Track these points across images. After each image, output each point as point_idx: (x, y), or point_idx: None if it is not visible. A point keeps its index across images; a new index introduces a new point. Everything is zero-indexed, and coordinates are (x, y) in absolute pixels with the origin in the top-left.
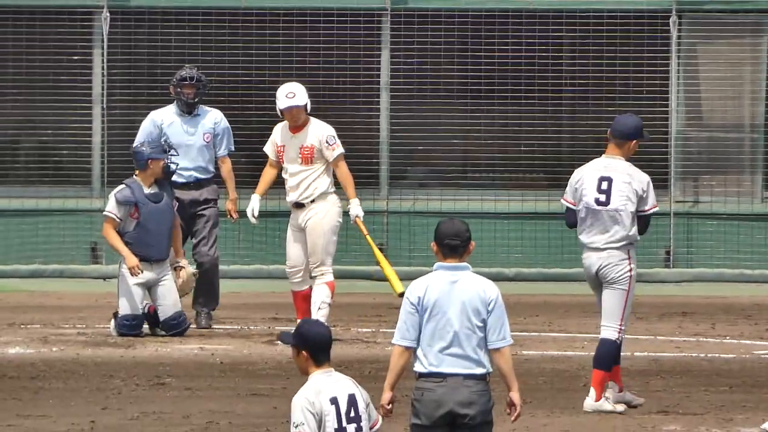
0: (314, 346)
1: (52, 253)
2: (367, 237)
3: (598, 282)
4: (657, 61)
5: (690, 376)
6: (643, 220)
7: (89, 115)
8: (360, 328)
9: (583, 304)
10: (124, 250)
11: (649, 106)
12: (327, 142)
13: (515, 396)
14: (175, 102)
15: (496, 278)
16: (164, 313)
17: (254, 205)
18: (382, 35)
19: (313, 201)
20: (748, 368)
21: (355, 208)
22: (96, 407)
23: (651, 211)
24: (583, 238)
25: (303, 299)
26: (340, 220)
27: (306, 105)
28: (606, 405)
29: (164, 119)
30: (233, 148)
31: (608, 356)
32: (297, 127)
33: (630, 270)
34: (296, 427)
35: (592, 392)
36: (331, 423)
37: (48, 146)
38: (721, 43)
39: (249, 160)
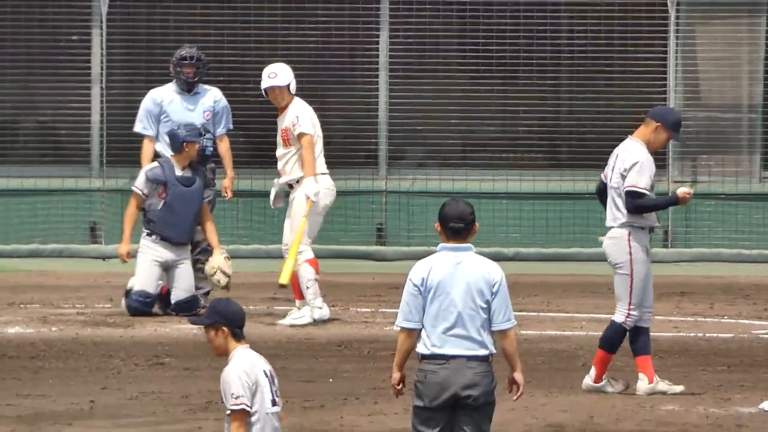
0: (234, 321)
1: (51, 233)
2: (304, 219)
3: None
4: (655, 42)
5: (688, 356)
6: (624, 201)
7: (88, 95)
8: (359, 308)
9: (582, 283)
10: (125, 235)
11: (648, 87)
12: (292, 123)
13: (519, 376)
14: (174, 80)
15: (494, 258)
16: (176, 296)
17: (272, 191)
18: (381, 14)
19: (298, 182)
20: (746, 348)
21: (305, 188)
22: (95, 387)
23: (626, 189)
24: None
25: (298, 280)
26: (327, 202)
27: (288, 86)
28: (607, 387)
29: (164, 97)
30: (231, 127)
31: (612, 338)
32: (282, 109)
33: (629, 253)
34: (237, 398)
35: (592, 371)
36: (267, 395)
37: (47, 126)
38: (719, 23)
39: (247, 140)
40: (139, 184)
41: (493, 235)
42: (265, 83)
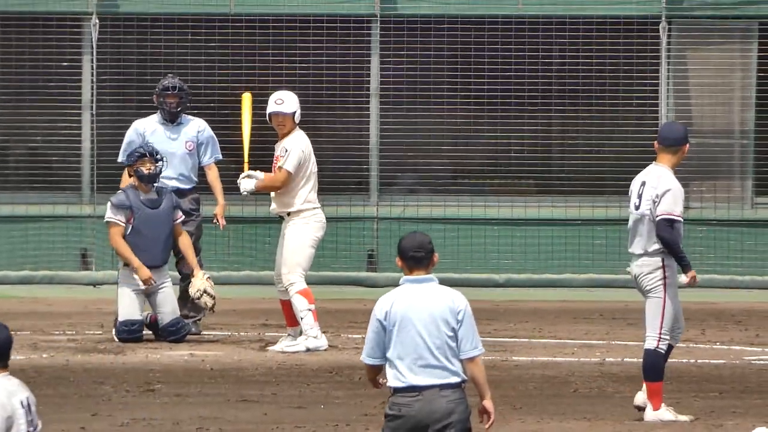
0: None
1: (42, 260)
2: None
3: (642, 290)
4: (647, 68)
5: (680, 382)
6: (656, 227)
7: (79, 122)
8: (350, 334)
9: (574, 310)
10: (136, 261)
11: (639, 113)
12: (280, 153)
13: (489, 404)
14: (158, 111)
15: (486, 284)
16: (163, 320)
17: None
18: (372, 41)
19: (289, 214)
20: (738, 374)
21: (245, 183)
22: (86, 414)
23: (660, 216)
24: (628, 245)
25: (289, 308)
26: (318, 235)
27: (293, 114)
28: (667, 414)
29: (147, 128)
30: (220, 157)
31: (653, 366)
32: (282, 136)
33: (664, 278)
34: None
35: (648, 404)
36: (23, 426)
37: (38, 152)
38: (711, 49)
39: (238, 166)
40: (112, 214)
41: (484, 261)
42: (270, 108)
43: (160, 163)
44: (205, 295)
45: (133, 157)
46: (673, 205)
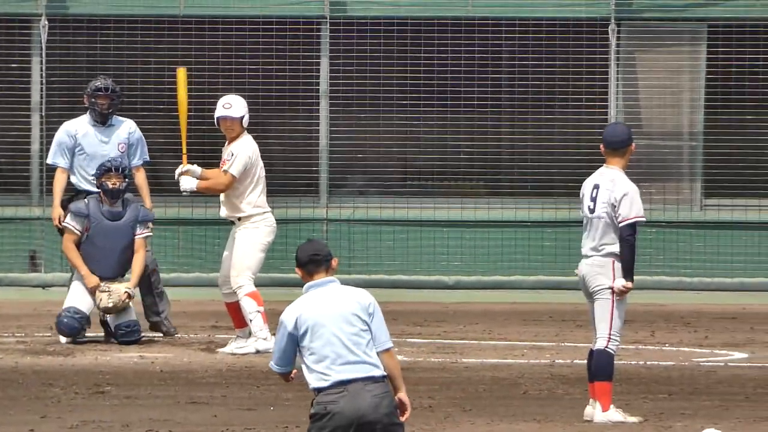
0: None
1: None
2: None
3: (588, 291)
4: (596, 70)
5: (629, 384)
6: (620, 231)
7: (28, 123)
8: None
9: (523, 312)
10: (84, 269)
11: (589, 114)
12: (227, 158)
13: (404, 396)
14: (88, 112)
15: (435, 286)
16: (113, 321)
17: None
18: (321, 44)
19: (239, 219)
20: (687, 376)
21: (185, 183)
22: (35, 416)
23: (625, 222)
24: (581, 245)
25: (235, 310)
26: (268, 239)
27: (241, 119)
28: (616, 416)
29: (78, 129)
30: (148, 159)
31: (600, 366)
32: (230, 140)
33: (613, 279)
34: None
35: (597, 405)
36: None
37: None
38: (660, 51)
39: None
40: (69, 220)
41: (434, 263)
42: (218, 113)
43: (127, 180)
44: (105, 294)
45: (99, 171)
46: (636, 209)
